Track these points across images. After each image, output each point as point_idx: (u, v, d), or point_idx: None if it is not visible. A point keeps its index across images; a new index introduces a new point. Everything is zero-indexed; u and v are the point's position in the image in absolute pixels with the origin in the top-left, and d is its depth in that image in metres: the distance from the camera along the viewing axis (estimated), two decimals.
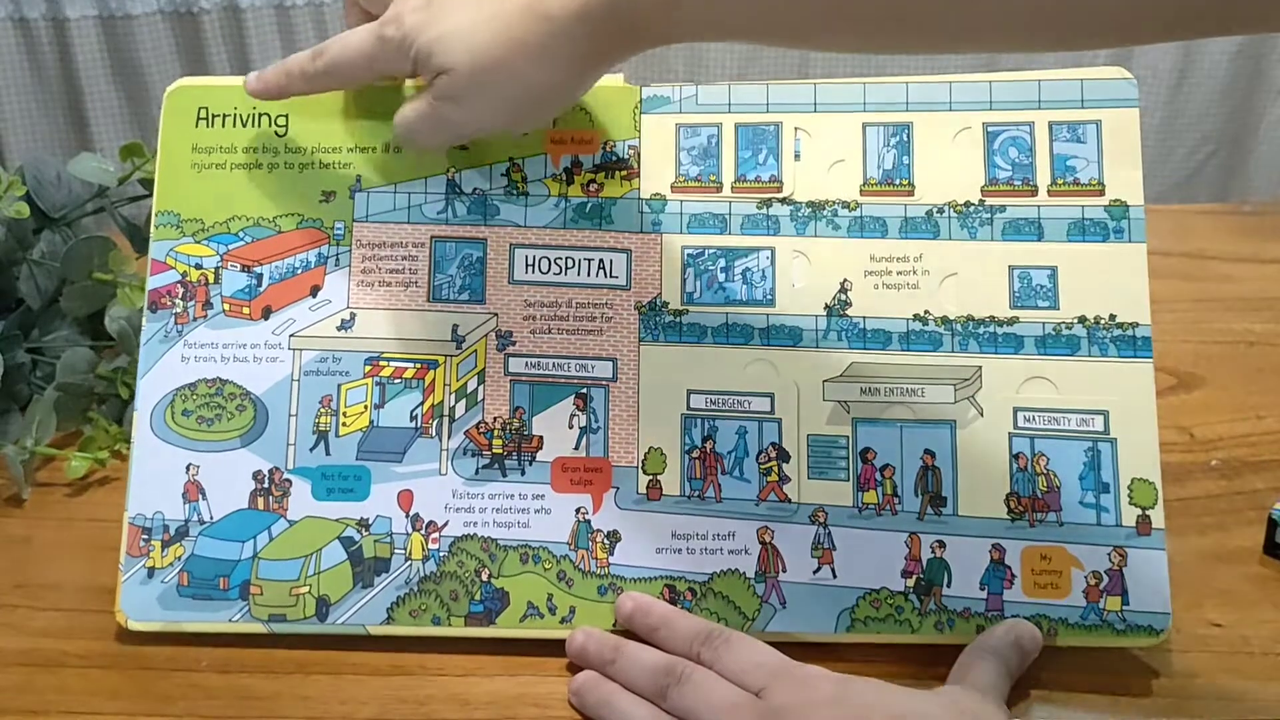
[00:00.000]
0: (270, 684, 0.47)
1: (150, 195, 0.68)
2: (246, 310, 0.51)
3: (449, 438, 0.50)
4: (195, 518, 0.49)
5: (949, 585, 0.47)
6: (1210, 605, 0.50)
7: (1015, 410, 0.48)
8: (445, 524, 0.49)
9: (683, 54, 1.89)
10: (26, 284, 0.67)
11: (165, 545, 0.49)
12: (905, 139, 0.51)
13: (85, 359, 0.63)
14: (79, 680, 0.47)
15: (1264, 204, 0.91)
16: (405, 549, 0.49)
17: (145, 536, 0.49)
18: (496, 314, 0.51)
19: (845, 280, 0.50)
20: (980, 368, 0.49)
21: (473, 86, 0.45)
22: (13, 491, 0.59)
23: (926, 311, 0.49)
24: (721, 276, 0.50)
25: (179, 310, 0.51)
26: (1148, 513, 0.47)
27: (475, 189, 0.52)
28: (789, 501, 0.49)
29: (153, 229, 0.52)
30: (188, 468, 0.50)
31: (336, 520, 0.49)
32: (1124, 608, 0.47)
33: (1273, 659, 0.47)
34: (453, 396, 0.50)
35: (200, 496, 0.49)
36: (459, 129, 0.48)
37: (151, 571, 0.49)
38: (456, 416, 0.50)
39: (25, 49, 1.80)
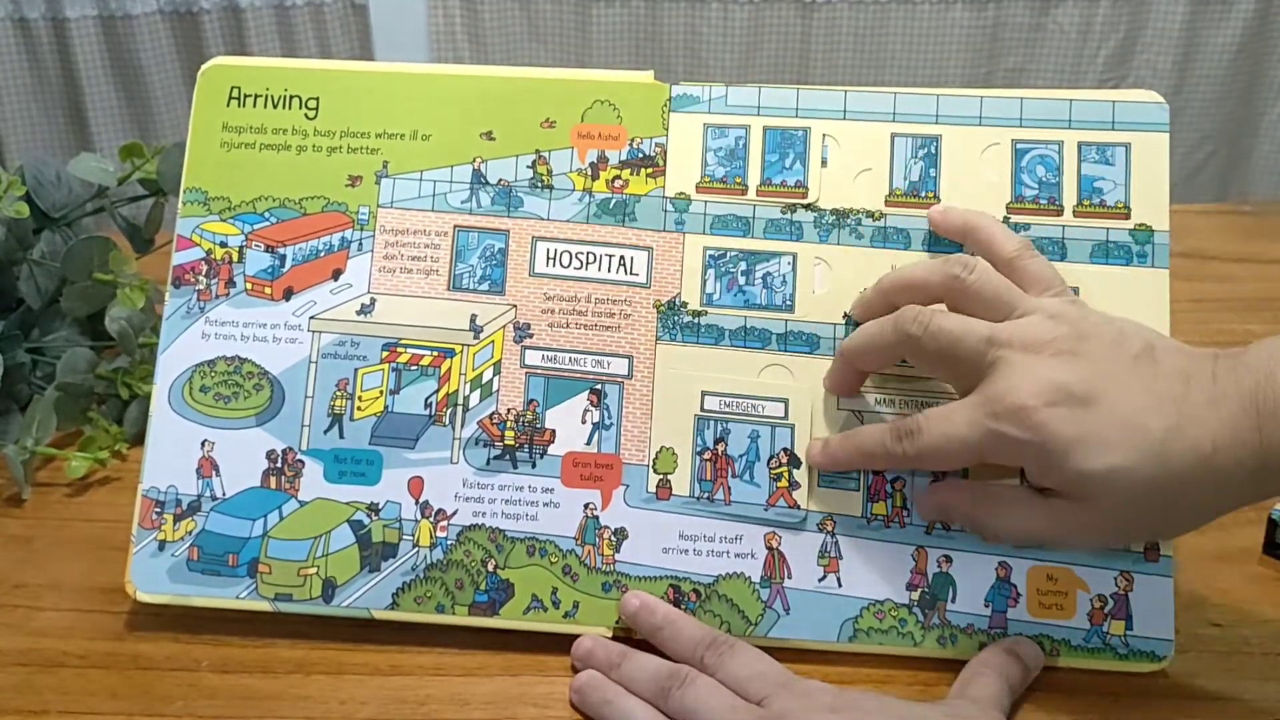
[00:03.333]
0: (270, 684, 0.46)
1: (150, 195, 0.69)
2: (268, 290, 0.51)
3: (462, 427, 0.50)
4: (208, 493, 0.50)
5: (954, 600, 0.47)
6: (1210, 605, 0.50)
7: None
8: (454, 513, 0.49)
9: (682, 51, 1.89)
10: (26, 284, 0.66)
11: (177, 519, 0.49)
12: (933, 151, 0.50)
13: (85, 359, 0.63)
14: (78, 680, 0.47)
15: (1264, 204, 0.90)
16: (413, 535, 0.49)
17: (158, 509, 0.50)
18: (515, 305, 0.51)
19: (866, 290, 0.50)
20: None
21: (1118, 525, 0.43)
22: (13, 491, 0.59)
23: None
24: (742, 279, 0.50)
25: (202, 287, 0.51)
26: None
27: (500, 180, 0.52)
28: (798, 508, 0.49)
29: (180, 205, 0.52)
30: (203, 444, 0.50)
31: (347, 503, 0.49)
32: (1128, 633, 0.47)
33: (1273, 659, 0.47)
34: (468, 386, 0.50)
35: (214, 473, 0.50)
36: (1069, 547, 0.47)
37: (162, 544, 0.49)
38: (470, 406, 0.50)
39: (25, 49, 1.81)
